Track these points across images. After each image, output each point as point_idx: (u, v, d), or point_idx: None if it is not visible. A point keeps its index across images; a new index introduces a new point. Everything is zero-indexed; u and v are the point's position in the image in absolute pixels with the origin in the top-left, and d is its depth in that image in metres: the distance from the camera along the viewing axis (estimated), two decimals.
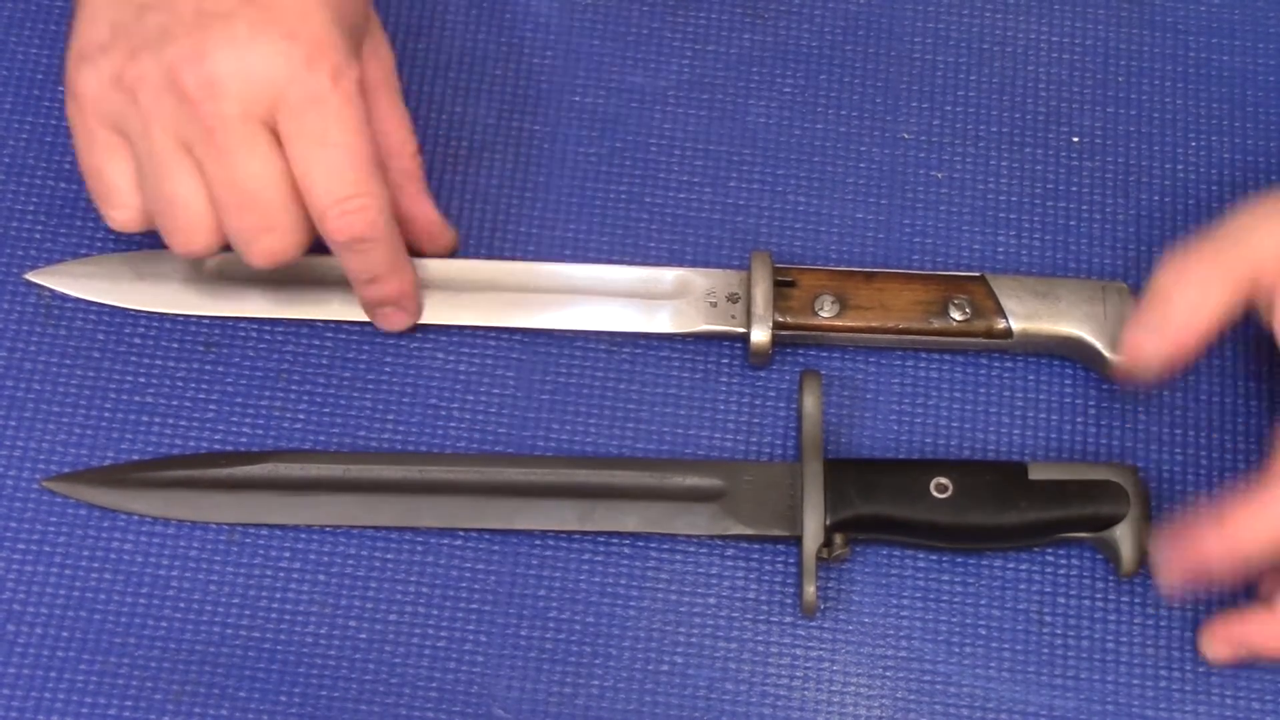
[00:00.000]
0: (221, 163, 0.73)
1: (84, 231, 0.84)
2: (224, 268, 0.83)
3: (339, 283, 0.82)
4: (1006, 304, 0.81)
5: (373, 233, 0.75)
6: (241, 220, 0.74)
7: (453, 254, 0.83)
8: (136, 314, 0.82)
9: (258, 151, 0.73)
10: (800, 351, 0.83)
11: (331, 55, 0.73)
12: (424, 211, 0.81)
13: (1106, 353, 0.80)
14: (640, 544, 0.79)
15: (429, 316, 0.82)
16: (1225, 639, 0.76)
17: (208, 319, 0.83)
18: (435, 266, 0.83)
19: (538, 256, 0.84)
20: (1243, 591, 0.78)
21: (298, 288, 0.83)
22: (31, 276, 0.83)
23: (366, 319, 0.82)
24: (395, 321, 0.81)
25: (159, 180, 0.74)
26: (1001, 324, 0.81)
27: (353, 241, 0.75)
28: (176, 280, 0.83)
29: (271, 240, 0.75)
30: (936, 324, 0.81)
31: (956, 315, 0.81)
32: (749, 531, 0.78)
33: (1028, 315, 0.81)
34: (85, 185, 0.76)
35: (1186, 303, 0.74)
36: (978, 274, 0.82)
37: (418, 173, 0.80)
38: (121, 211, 0.76)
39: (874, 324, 0.81)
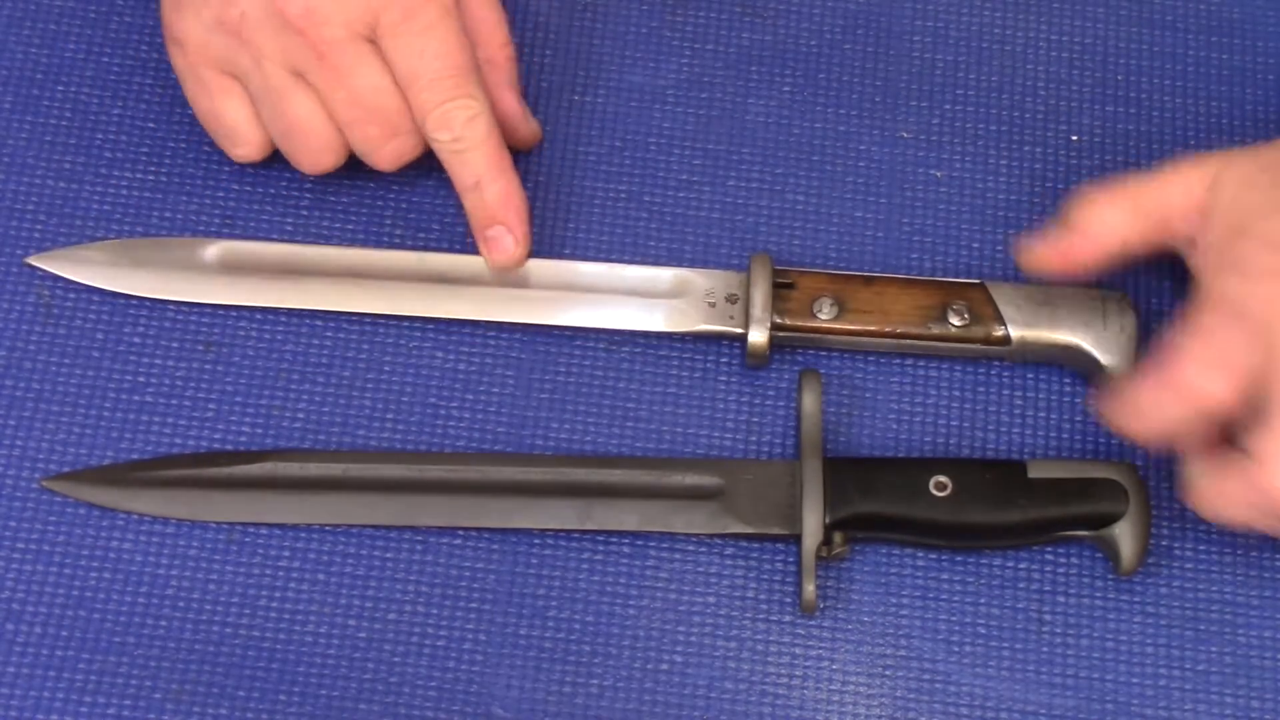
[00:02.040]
0: (338, 83, 0.77)
1: (83, 231, 0.84)
2: (225, 258, 0.83)
3: (342, 273, 0.82)
4: (1005, 311, 0.81)
5: (471, 131, 0.78)
6: (366, 131, 0.79)
7: (535, 148, 0.85)
8: (136, 313, 0.83)
9: (369, 66, 0.77)
10: (799, 353, 0.83)
11: None
12: (505, 101, 0.82)
13: (1104, 362, 0.80)
14: (639, 543, 0.79)
15: (426, 310, 0.82)
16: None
17: (207, 316, 0.83)
18: (436, 260, 0.83)
19: (537, 254, 0.84)
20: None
21: (299, 278, 0.83)
22: (33, 261, 0.83)
23: (367, 311, 0.82)
24: (503, 249, 0.80)
25: (279, 110, 0.78)
26: (1000, 331, 0.81)
27: (452, 142, 0.78)
28: (177, 268, 0.83)
29: (396, 144, 0.79)
30: (935, 329, 0.81)
31: (955, 321, 0.81)
32: (748, 530, 0.78)
33: (1026, 323, 0.81)
34: (203, 127, 0.82)
35: (1091, 223, 0.78)
36: (977, 281, 0.82)
37: (505, 65, 0.82)
38: (244, 148, 0.81)
39: (872, 327, 0.81)
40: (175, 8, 0.79)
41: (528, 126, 0.84)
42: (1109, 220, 0.78)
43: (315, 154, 0.79)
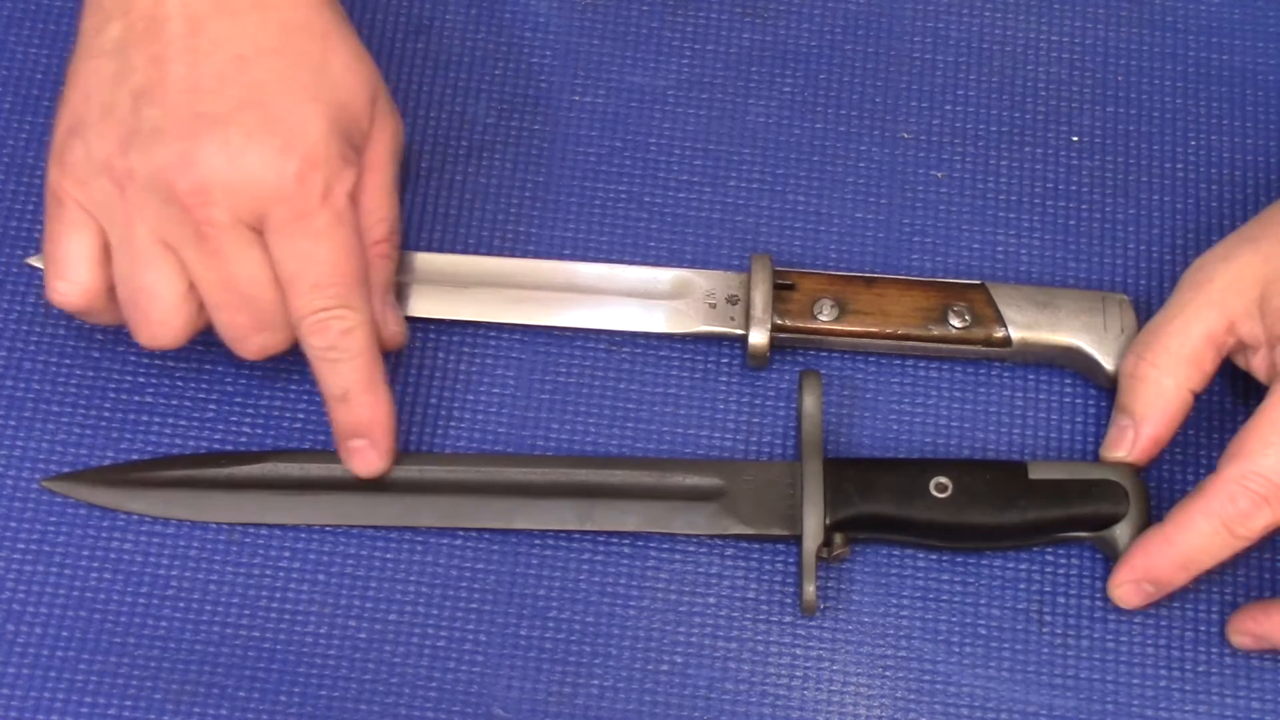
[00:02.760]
0: (213, 265, 0.74)
1: None
2: None
3: None
4: (1006, 313, 0.81)
5: (346, 343, 0.75)
6: (235, 318, 0.75)
7: (396, 351, 0.80)
8: None
9: (249, 255, 0.74)
10: (799, 354, 0.83)
11: (324, 168, 0.74)
12: (372, 304, 0.77)
13: (1105, 364, 0.80)
14: (640, 543, 0.79)
15: (426, 311, 0.82)
16: (1249, 631, 0.76)
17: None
18: (436, 260, 0.83)
19: (537, 256, 0.84)
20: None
21: None
22: (32, 261, 0.83)
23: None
24: (366, 461, 0.78)
25: (136, 272, 0.74)
26: (1001, 333, 0.81)
27: (326, 350, 0.75)
28: None
29: (264, 338, 0.76)
30: (935, 330, 0.81)
31: (956, 323, 0.81)
32: (749, 531, 0.78)
33: (1027, 325, 0.81)
34: (42, 250, 0.76)
35: (1153, 405, 0.77)
36: (978, 282, 0.82)
37: (378, 263, 0.78)
38: (67, 285, 0.75)
39: (872, 329, 0.81)
40: (71, 132, 0.74)
41: (389, 330, 0.79)
42: (1168, 390, 0.77)
43: (156, 326, 0.75)
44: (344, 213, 0.75)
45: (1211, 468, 0.80)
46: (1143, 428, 0.77)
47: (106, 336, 0.82)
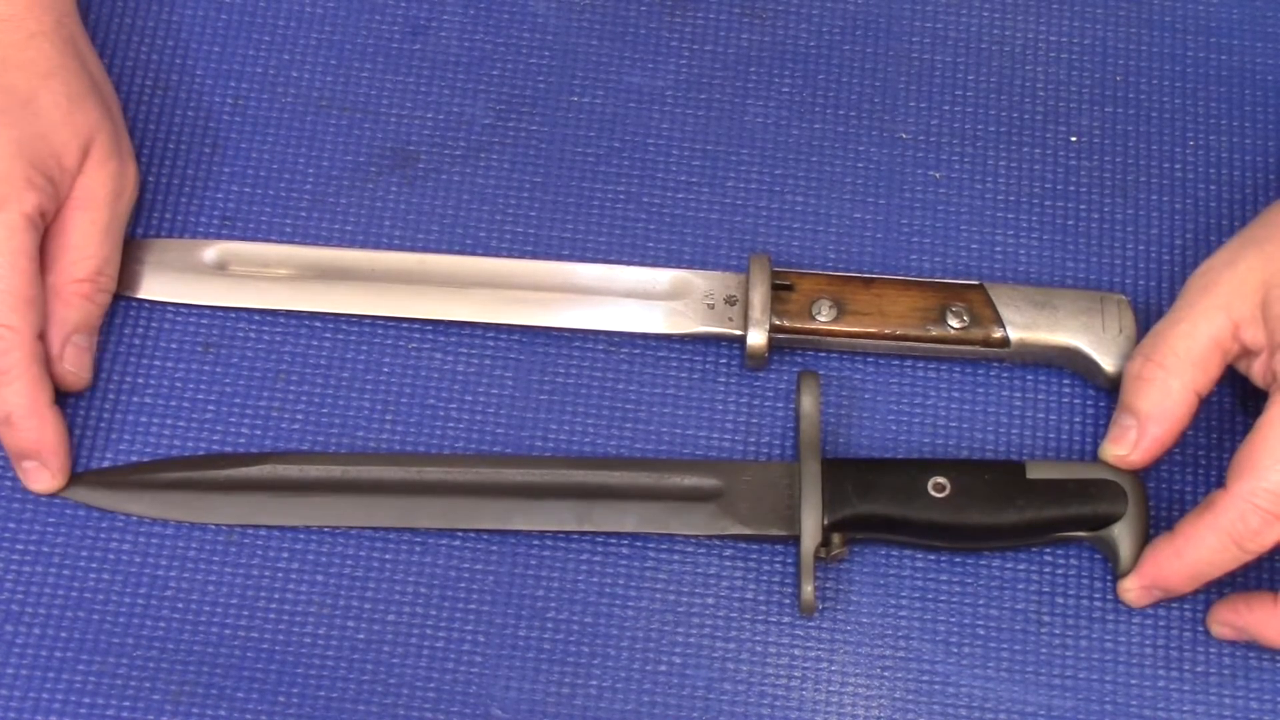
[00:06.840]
0: None
1: None
2: (225, 259, 0.83)
3: (341, 275, 0.83)
4: (1005, 313, 0.81)
5: (3, 363, 0.75)
6: None
7: (70, 394, 0.80)
8: (135, 314, 0.83)
9: None
10: (798, 354, 0.83)
11: (2, 184, 0.76)
12: (51, 336, 0.78)
13: (1103, 364, 0.80)
14: (638, 544, 0.79)
15: (425, 312, 0.82)
16: (1229, 623, 0.77)
17: (206, 317, 0.83)
18: (435, 261, 0.83)
19: (536, 256, 0.84)
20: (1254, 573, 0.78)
21: (298, 279, 0.83)
22: None
23: (370, 313, 0.82)
24: (35, 480, 0.78)
25: None
26: (999, 333, 0.81)
27: None
28: (176, 269, 0.83)
29: None
30: (934, 331, 0.81)
31: (954, 323, 0.81)
32: (747, 531, 0.78)
33: (1026, 325, 0.81)
34: None
35: (1160, 406, 0.77)
36: (976, 282, 0.82)
37: (73, 299, 0.78)
38: None
39: (871, 329, 0.81)
40: None
41: (63, 368, 0.78)
42: (1174, 392, 0.77)
43: None
44: (18, 231, 0.75)
45: (1210, 470, 0.81)
46: (1147, 428, 0.77)
47: (106, 337, 0.82)
